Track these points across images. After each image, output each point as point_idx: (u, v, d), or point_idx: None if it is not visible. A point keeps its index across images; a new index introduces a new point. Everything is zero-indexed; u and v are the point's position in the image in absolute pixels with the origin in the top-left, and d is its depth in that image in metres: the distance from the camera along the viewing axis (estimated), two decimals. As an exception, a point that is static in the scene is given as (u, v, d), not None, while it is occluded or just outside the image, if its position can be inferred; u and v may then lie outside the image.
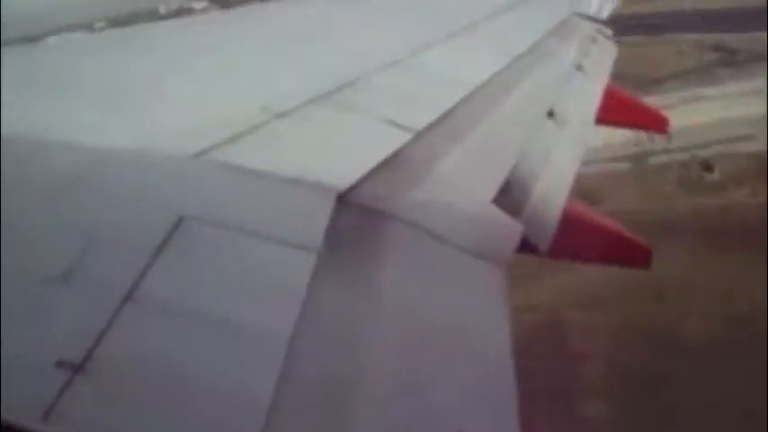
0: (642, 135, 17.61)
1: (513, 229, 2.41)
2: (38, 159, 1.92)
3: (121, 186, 1.87)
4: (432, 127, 2.77)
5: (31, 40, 2.82)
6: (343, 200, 2.01)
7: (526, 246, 2.52)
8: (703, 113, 21.28)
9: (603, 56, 5.69)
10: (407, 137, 2.58)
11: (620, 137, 17.56)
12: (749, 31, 25.07)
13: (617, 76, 5.30)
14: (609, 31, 6.49)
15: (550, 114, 3.68)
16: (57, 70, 2.65)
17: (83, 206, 1.76)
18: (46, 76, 2.56)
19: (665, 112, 6.49)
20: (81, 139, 2.09)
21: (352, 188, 2.07)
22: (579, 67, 4.90)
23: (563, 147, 3.47)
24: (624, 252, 3.75)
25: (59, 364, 1.26)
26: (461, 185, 2.58)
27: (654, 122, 6.28)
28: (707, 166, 19.15)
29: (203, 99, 2.59)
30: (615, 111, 4.97)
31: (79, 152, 2.00)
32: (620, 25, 6.19)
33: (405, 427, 1.51)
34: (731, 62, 25.01)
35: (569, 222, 2.85)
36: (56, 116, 2.23)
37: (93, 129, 2.18)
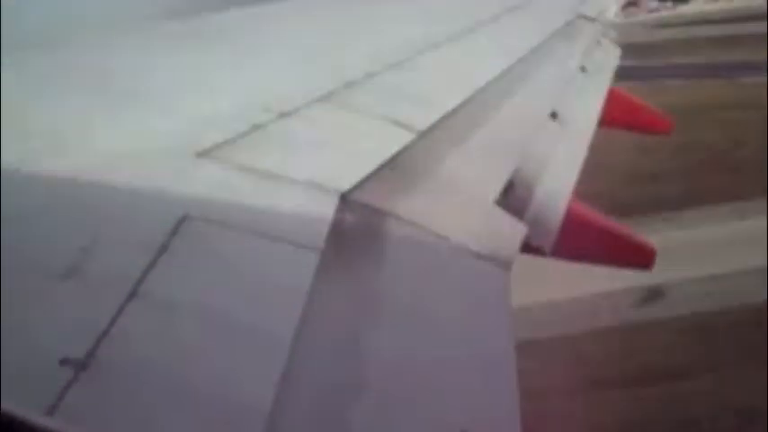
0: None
1: (516, 230, 2.41)
2: (42, 157, 1.92)
3: (125, 185, 1.87)
4: (435, 127, 2.77)
5: (42, 40, 2.85)
6: (347, 200, 2.01)
7: (530, 246, 2.51)
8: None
9: (607, 58, 5.69)
10: (411, 137, 2.58)
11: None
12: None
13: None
14: (613, 34, 6.49)
15: (554, 116, 3.67)
16: (60, 69, 2.65)
17: (87, 204, 1.76)
18: (51, 74, 2.57)
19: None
20: (85, 137, 2.10)
21: (356, 188, 2.07)
22: (583, 69, 4.90)
23: (566, 148, 3.46)
24: (627, 252, 3.74)
25: (63, 361, 1.26)
26: (465, 186, 2.58)
27: (657, 125, 6.28)
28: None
29: (207, 98, 2.59)
30: (618, 113, 4.97)
31: (83, 150, 2.00)
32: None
33: (407, 428, 1.51)
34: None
35: (572, 223, 2.85)
36: (59, 115, 2.23)
37: (97, 128, 2.18)
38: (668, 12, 41.02)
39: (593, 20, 6.53)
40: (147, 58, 3.00)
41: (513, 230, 2.40)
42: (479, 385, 1.74)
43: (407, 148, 2.50)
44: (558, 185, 3.02)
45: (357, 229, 1.98)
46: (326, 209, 1.93)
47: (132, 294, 1.45)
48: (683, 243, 14.90)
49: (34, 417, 1.09)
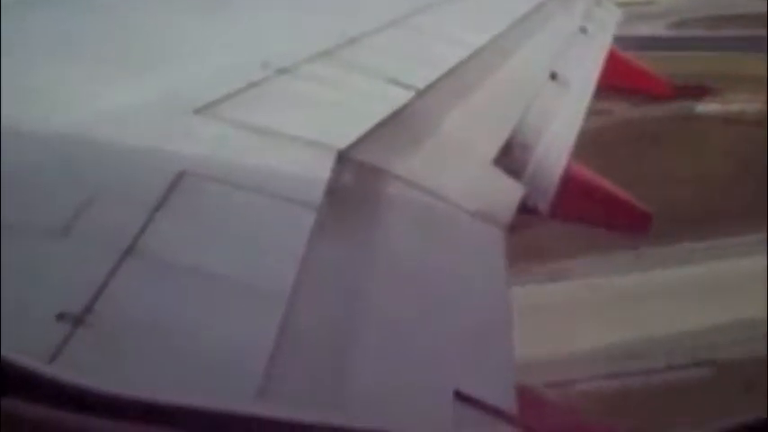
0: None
1: (513, 190, 2.41)
2: (40, 115, 1.91)
3: (122, 141, 1.86)
4: (433, 86, 2.75)
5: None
6: (344, 157, 2.00)
7: (527, 207, 2.51)
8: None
9: (607, 19, 5.65)
10: (409, 95, 2.57)
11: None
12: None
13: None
14: None
15: (553, 76, 3.65)
16: (59, 28, 2.63)
17: (84, 161, 1.75)
18: (52, 33, 2.55)
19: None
20: (83, 95, 2.08)
21: (353, 146, 2.07)
22: (583, 30, 4.87)
23: (565, 108, 3.45)
24: (624, 215, 3.74)
25: (60, 316, 1.26)
26: (463, 145, 2.57)
27: (655, 87, 6.25)
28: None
29: (204, 55, 2.57)
30: (617, 74, 4.95)
31: (81, 108, 1.99)
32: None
33: (401, 383, 1.52)
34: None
35: (570, 184, 2.85)
36: (57, 74, 2.21)
37: (95, 86, 2.17)
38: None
39: None
40: (145, 16, 2.97)
41: (510, 190, 2.40)
42: (474, 344, 1.75)
43: (406, 107, 2.48)
44: (556, 146, 3.01)
45: (354, 187, 1.98)
46: (324, 166, 1.93)
47: (129, 250, 1.45)
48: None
49: (34, 365, 1.10)
